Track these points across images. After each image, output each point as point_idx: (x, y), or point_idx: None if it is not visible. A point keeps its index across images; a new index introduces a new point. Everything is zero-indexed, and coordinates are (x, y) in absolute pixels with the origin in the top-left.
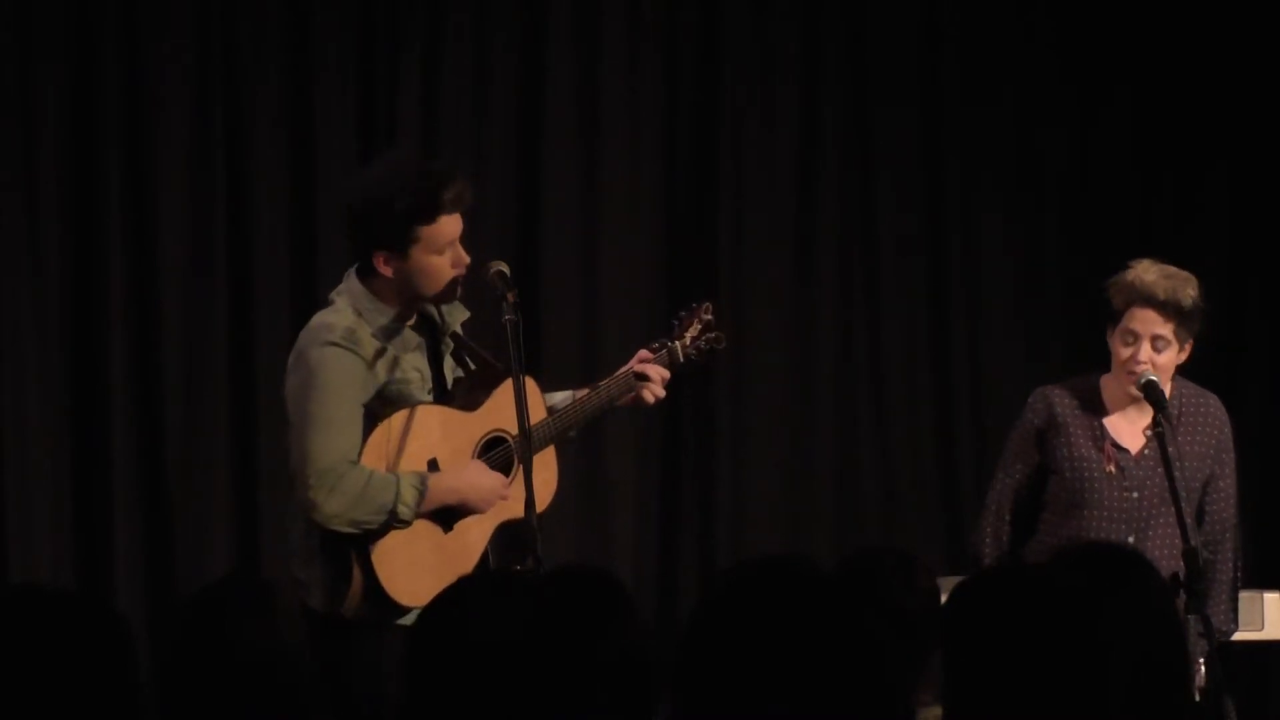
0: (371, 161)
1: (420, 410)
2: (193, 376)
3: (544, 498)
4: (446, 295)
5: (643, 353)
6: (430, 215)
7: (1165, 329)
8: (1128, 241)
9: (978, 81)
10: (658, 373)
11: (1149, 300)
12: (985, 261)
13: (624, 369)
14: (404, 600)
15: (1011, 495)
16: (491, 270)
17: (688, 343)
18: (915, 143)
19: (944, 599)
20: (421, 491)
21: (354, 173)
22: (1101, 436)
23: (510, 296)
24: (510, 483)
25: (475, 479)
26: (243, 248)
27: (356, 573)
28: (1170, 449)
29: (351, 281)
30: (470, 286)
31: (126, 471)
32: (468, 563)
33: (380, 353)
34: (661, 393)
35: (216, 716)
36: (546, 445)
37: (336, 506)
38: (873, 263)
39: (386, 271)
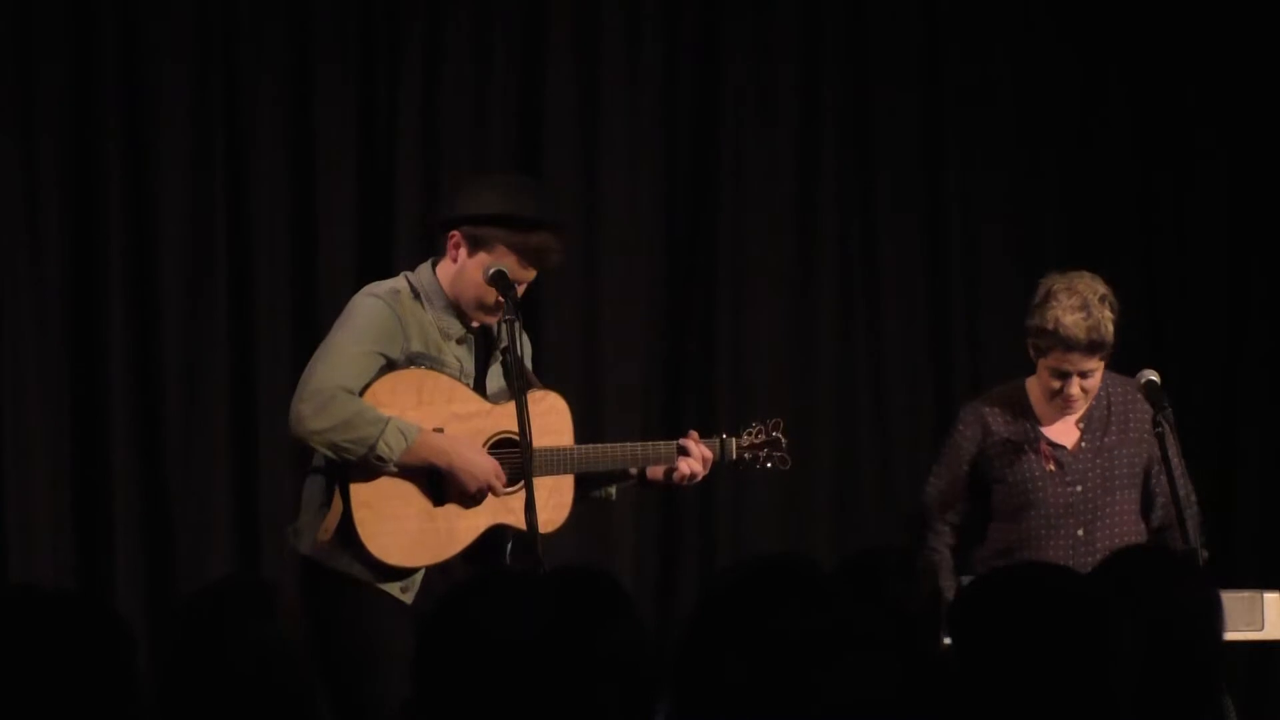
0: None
1: (444, 380)
2: (193, 376)
3: (554, 520)
4: (477, 316)
5: (692, 432)
6: (516, 246)
7: (1091, 363)
8: (1128, 241)
9: (978, 81)
10: (700, 451)
11: (1073, 347)
12: (985, 262)
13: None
14: (371, 548)
15: (939, 498)
16: (491, 270)
17: (745, 444)
18: (915, 142)
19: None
20: (408, 438)
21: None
22: (1036, 438)
23: (510, 297)
24: (513, 491)
25: (467, 452)
26: (243, 248)
27: (336, 503)
28: (1109, 439)
29: (423, 266)
30: None
31: (126, 472)
32: (449, 546)
33: (419, 323)
34: (698, 471)
35: (216, 717)
36: (563, 473)
37: (320, 424)
38: (873, 263)
39: (453, 254)
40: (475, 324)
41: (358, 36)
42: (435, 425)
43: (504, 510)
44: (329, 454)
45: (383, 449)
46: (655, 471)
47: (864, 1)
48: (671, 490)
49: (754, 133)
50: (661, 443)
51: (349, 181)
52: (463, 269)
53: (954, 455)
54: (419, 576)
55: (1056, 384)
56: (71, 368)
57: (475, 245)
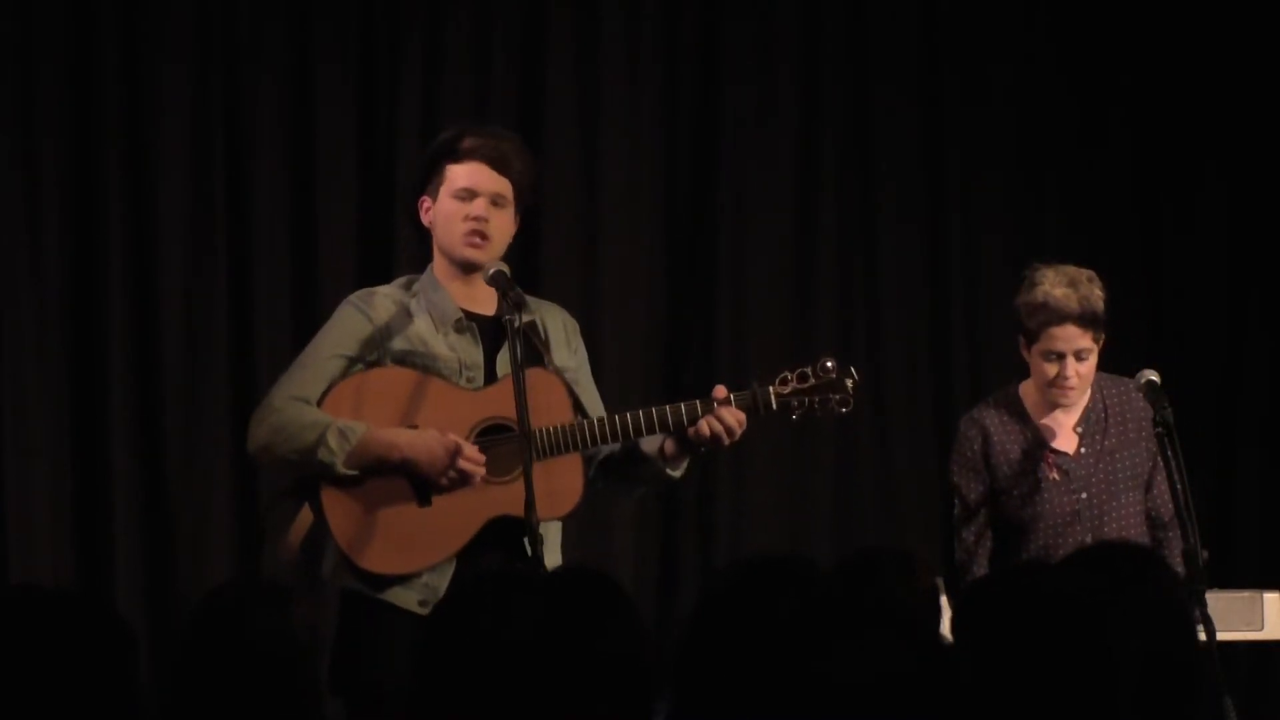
0: None
1: (423, 376)
2: (193, 376)
3: (562, 505)
4: (462, 252)
5: (719, 388)
6: (454, 155)
7: (1085, 340)
8: (1129, 239)
9: (978, 82)
10: (732, 414)
11: (1066, 318)
12: (985, 262)
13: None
14: (357, 559)
15: (985, 527)
16: (491, 270)
17: (787, 391)
18: (915, 144)
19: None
20: (350, 439)
21: None
22: (1038, 446)
23: (511, 296)
24: (507, 480)
25: (421, 438)
26: (243, 248)
27: (304, 516)
28: (1109, 442)
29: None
30: None
31: (127, 473)
32: (442, 547)
33: (401, 320)
34: (724, 431)
35: (227, 710)
36: (566, 452)
37: (261, 437)
38: (873, 264)
39: (428, 218)
40: (483, 310)
41: (358, 36)
42: (410, 422)
43: (502, 502)
44: (277, 467)
45: (323, 454)
46: (692, 432)
47: (864, 1)
48: (700, 455)
49: (754, 134)
50: (683, 404)
51: (349, 181)
52: (436, 217)
53: (968, 469)
54: (440, 588)
55: (1052, 369)
56: (71, 368)
57: (435, 189)
